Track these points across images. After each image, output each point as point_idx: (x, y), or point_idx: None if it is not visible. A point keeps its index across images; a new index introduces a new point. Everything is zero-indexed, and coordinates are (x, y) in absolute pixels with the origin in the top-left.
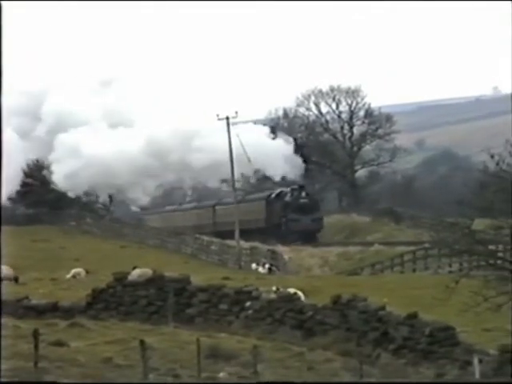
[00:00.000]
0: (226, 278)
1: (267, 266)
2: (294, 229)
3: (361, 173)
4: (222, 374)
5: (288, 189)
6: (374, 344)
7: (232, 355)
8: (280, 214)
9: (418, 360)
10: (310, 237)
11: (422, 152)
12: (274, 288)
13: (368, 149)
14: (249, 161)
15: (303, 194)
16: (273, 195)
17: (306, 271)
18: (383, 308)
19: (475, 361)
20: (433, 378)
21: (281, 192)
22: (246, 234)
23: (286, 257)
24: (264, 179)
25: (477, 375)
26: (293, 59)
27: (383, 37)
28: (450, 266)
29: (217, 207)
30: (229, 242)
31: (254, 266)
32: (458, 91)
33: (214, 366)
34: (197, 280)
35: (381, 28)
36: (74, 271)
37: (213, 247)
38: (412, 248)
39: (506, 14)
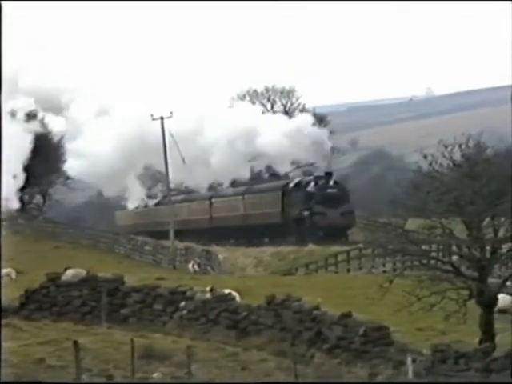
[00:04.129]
0: (161, 279)
1: (194, 264)
2: (319, 224)
3: (295, 173)
4: (155, 375)
5: (311, 177)
6: (308, 344)
7: (166, 355)
8: (301, 206)
9: (351, 359)
10: (339, 233)
11: (356, 152)
12: (208, 288)
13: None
14: (183, 161)
15: (331, 182)
16: (291, 184)
17: (240, 271)
18: (317, 308)
19: (408, 360)
20: (366, 377)
21: (301, 181)
22: (256, 233)
23: (220, 256)
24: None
25: (410, 375)
26: (227, 59)
27: (316, 37)
28: (384, 265)
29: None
30: (163, 241)
31: (190, 266)
32: (392, 92)
33: (148, 366)
34: (131, 280)
35: (313, 28)
36: (4, 271)
37: (147, 247)
38: (346, 248)
39: (440, 15)
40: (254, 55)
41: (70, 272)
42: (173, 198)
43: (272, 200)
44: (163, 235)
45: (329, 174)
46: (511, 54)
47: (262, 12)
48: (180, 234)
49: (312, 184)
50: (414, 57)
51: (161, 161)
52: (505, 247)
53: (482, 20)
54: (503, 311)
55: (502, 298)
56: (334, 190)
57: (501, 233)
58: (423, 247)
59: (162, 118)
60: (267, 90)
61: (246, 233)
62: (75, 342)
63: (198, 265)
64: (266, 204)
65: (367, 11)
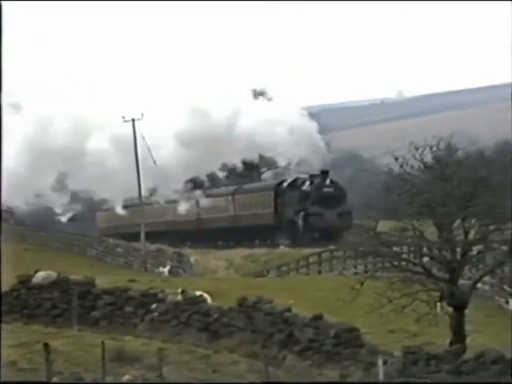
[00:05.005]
0: (132, 281)
1: (167, 267)
2: (315, 225)
3: (267, 175)
4: (126, 377)
5: (306, 175)
6: (280, 346)
7: (137, 358)
8: (295, 207)
9: (322, 361)
10: (335, 235)
11: (327, 154)
12: (179, 290)
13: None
14: (154, 163)
15: (327, 181)
16: (284, 184)
17: (211, 273)
18: (289, 310)
19: (379, 362)
20: (338, 379)
21: (296, 180)
22: (247, 235)
23: (192, 259)
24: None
25: (381, 376)
26: (199, 60)
27: (286, 39)
28: (355, 267)
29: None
30: (135, 244)
31: (161, 269)
32: (363, 94)
33: (119, 368)
34: (102, 283)
35: (283, 30)
36: None
37: (119, 249)
38: (317, 250)
39: (410, 17)
40: (225, 56)
41: (40, 274)
42: (156, 199)
43: (264, 200)
44: (149, 237)
45: (325, 173)
46: (482, 57)
47: (236, 11)
48: (165, 237)
49: (307, 183)
50: (385, 59)
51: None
52: (475, 249)
53: (452, 22)
54: None
55: None
56: (331, 190)
57: (471, 235)
58: (394, 249)
59: (133, 120)
60: None
61: (236, 235)
62: (46, 345)
63: (171, 267)
64: (258, 204)
65: (338, 11)
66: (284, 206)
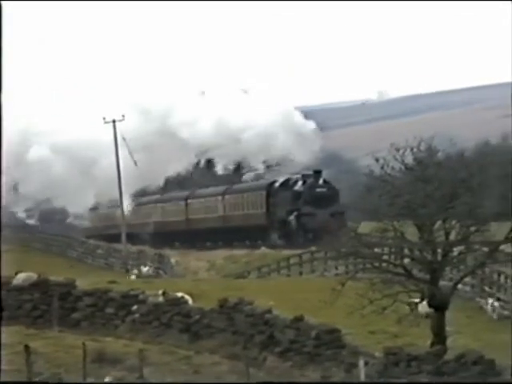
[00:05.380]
0: (113, 282)
1: (147, 268)
2: (308, 226)
3: (247, 176)
4: (107, 379)
5: (298, 175)
6: (261, 347)
7: (118, 359)
8: (288, 207)
9: (304, 363)
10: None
11: (307, 156)
12: (160, 292)
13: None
14: (135, 164)
15: (320, 181)
16: (276, 184)
17: (192, 274)
18: (269, 311)
19: (360, 363)
20: (319, 380)
21: (288, 180)
22: (237, 236)
23: (172, 260)
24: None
25: (362, 377)
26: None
27: (267, 40)
28: (337, 268)
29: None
30: (116, 245)
31: (143, 269)
32: (344, 95)
33: (100, 370)
34: (83, 284)
35: (265, 31)
36: None
37: (99, 251)
38: (298, 251)
39: (391, 18)
40: (207, 56)
41: (21, 276)
42: (145, 199)
43: (255, 200)
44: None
45: (318, 173)
46: (463, 58)
47: (205, 9)
48: (153, 238)
49: (300, 183)
50: (366, 60)
51: None
52: (456, 250)
53: (433, 22)
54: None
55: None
56: (324, 190)
57: (452, 236)
58: (376, 250)
59: (114, 122)
60: None
61: (226, 235)
62: (26, 346)
63: (150, 268)
64: (249, 204)
65: (320, 12)
66: (276, 206)
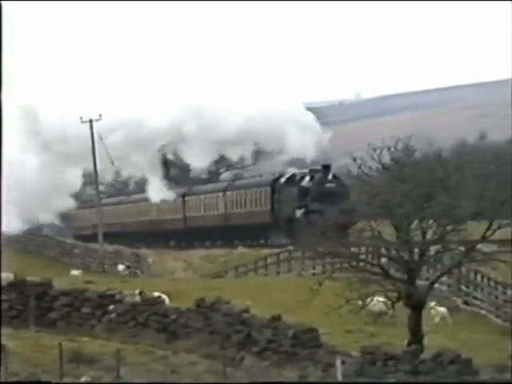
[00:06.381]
0: (90, 282)
1: (123, 266)
2: (316, 224)
3: (225, 175)
4: (84, 379)
5: (305, 170)
6: (238, 346)
7: (95, 359)
8: (294, 204)
9: (281, 362)
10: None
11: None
12: (137, 291)
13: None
14: (112, 164)
15: (329, 176)
16: (282, 179)
17: (169, 274)
18: (247, 311)
19: (338, 362)
20: (296, 379)
21: (294, 175)
22: (240, 234)
23: (149, 260)
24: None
25: (339, 377)
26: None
27: (247, 41)
28: (314, 268)
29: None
30: (93, 245)
31: (121, 267)
32: (321, 95)
33: (77, 370)
34: (59, 284)
35: (243, 32)
36: None
37: (76, 250)
38: (276, 250)
39: (372, 20)
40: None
41: None
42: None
43: (260, 197)
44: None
45: (326, 167)
46: (440, 58)
47: (199, 10)
48: (149, 237)
49: (307, 178)
50: (343, 60)
51: None
52: (433, 249)
53: (409, 22)
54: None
55: (376, 301)
56: (333, 185)
57: (429, 235)
58: (353, 249)
59: (91, 121)
60: None
61: (227, 234)
62: (2, 346)
63: (128, 267)
64: (252, 201)
65: (298, 12)
66: (282, 203)
